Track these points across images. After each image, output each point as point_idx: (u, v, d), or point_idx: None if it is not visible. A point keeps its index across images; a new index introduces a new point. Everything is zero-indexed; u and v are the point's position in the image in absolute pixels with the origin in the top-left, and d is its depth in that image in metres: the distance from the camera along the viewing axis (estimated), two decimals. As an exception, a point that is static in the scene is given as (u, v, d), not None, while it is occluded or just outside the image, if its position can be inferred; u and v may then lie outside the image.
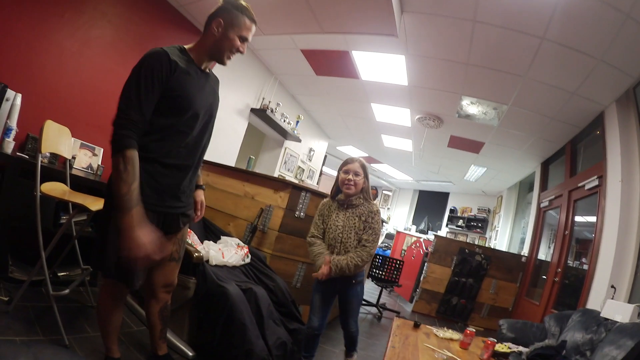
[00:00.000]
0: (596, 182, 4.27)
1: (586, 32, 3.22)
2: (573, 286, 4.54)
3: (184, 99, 1.63)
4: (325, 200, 2.74)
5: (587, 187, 4.51)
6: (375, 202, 2.65)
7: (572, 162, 5.32)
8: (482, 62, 4.11)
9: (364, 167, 2.57)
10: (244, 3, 1.74)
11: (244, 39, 1.75)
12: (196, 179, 1.99)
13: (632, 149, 3.81)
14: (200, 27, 4.50)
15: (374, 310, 5.63)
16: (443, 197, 12.23)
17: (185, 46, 1.75)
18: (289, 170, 7.76)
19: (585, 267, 4.24)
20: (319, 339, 2.68)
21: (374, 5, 3.30)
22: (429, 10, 3.49)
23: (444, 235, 10.41)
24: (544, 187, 6.46)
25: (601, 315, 3.09)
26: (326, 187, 8.98)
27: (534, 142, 5.87)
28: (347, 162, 2.59)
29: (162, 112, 1.59)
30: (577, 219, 4.95)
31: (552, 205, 5.85)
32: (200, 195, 2.10)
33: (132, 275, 1.66)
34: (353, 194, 2.53)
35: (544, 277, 5.43)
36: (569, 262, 4.88)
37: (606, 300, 3.23)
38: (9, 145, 2.76)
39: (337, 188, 2.61)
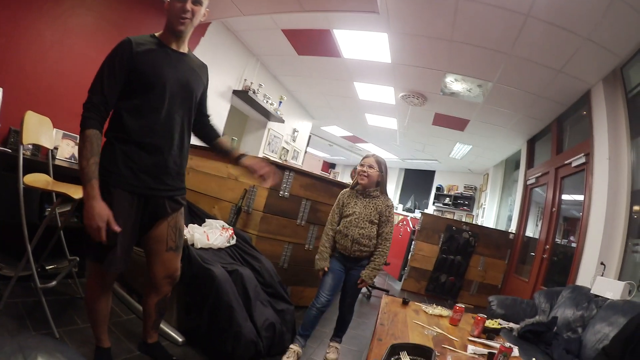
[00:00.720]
0: (583, 160, 4.30)
1: (573, 11, 3.20)
2: (562, 263, 4.61)
3: (149, 74, 1.68)
4: (345, 190, 2.97)
5: (573, 164, 4.55)
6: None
7: (558, 140, 5.35)
8: (466, 39, 4.07)
9: (378, 162, 2.81)
10: None
11: None
12: (231, 152, 2.09)
13: (619, 127, 3.82)
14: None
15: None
16: (429, 175, 12.28)
17: (157, 33, 1.81)
18: (273, 151, 7.71)
19: (574, 245, 4.30)
20: (319, 319, 2.78)
21: (354, -20, 3.22)
22: (412, -14, 3.43)
23: (431, 213, 10.56)
24: (530, 164, 6.50)
25: (591, 292, 3.14)
26: (310, 167, 8.93)
27: (520, 119, 5.89)
28: (364, 157, 2.86)
29: (133, 92, 1.67)
30: (565, 197, 5.00)
31: (538, 182, 5.91)
32: (253, 158, 2.11)
33: (110, 255, 1.67)
34: (366, 184, 2.77)
35: (533, 254, 5.50)
36: (557, 240, 4.94)
37: (596, 277, 3.29)
38: (-8, 140, 2.65)
39: (357, 181, 2.84)
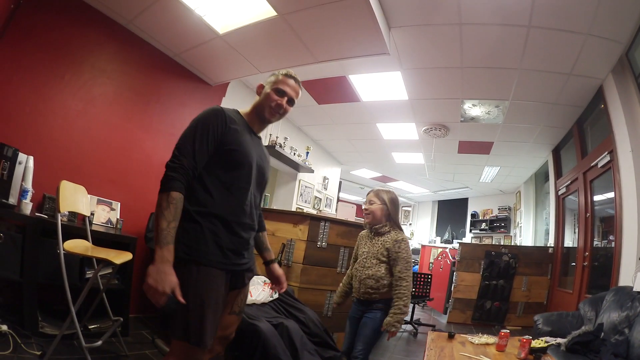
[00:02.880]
0: (608, 158, 4.20)
1: (569, 10, 3.23)
2: (603, 267, 4.43)
3: (239, 152, 1.68)
4: (362, 231, 2.84)
5: (599, 164, 4.43)
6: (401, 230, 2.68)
7: (581, 143, 5.25)
8: (476, 63, 4.15)
9: (378, 195, 2.65)
10: (288, 71, 1.88)
11: (280, 92, 1.81)
12: (266, 252, 2.10)
13: (635, 115, 3.73)
14: (198, 73, 4.70)
15: (408, 327, 5.56)
16: (462, 203, 12.09)
17: (240, 110, 1.86)
18: (305, 201, 7.80)
19: (613, 244, 4.14)
20: None
21: (361, 27, 3.38)
22: (415, 22, 3.57)
23: (469, 241, 10.34)
24: (558, 174, 6.37)
25: (634, 290, 3.05)
26: (345, 214, 8.97)
27: (541, 131, 5.83)
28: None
29: (221, 167, 1.65)
30: (598, 197, 4.85)
31: (569, 190, 5.77)
32: (279, 269, 2.13)
33: (203, 333, 1.55)
34: (371, 221, 2.63)
35: (574, 264, 5.33)
36: (596, 242, 4.77)
37: (637, 274, 3.17)
38: (27, 207, 2.86)
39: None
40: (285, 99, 1.82)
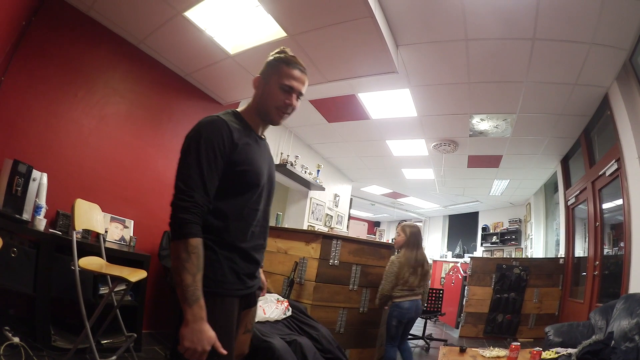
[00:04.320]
0: (615, 166, 4.18)
1: (572, 20, 3.26)
2: (614, 275, 4.39)
3: (251, 173, 1.47)
4: None
5: (607, 173, 4.42)
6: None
7: (589, 152, 5.24)
8: (483, 78, 4.20)
9: (403, 229, 3.60)
10: (286, 54, 1.58)
11: (286, 88, 1.52)
12: None
13: None
14: (209, 92, 4.79)
15: (420, 342, 5.55)
16: (473, 217, 12.06)
17: (238, 109, 1.61)
18: (317, 219, 7.82)
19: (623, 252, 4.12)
20: None
21: (369, 47, 3.46)
22: (422, 40, 3.64)
23: (480, 255, 10.35)
24: (567, 184, 6.35)
25: None
26: (357, 232, 8.97)
27: (549, 142, 5.85)
28: None
29: (231, 191, 1.44)
30: (608, 205, 4.81)
31: (578, 200, 5.74)
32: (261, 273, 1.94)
33: None
34: (395, 247, 3.71)
35: (584, 273, 5.28)
36: (607, 250, 4.73)
37: None
38: (41, 223, 2.92)
39: None
40: (294, 96, 1.55)
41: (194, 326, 1.27)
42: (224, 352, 1.33)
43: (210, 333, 1.30)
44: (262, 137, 1.65)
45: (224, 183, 1.41)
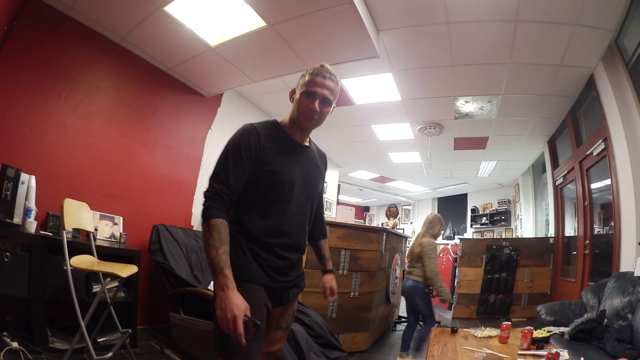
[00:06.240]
0: (602, 146, 4.22)
1: (555, 2, 3.25)
2: (604, 254, 4.46)
3: (278, 173, 1.59)
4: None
5: (594, 152, 4.46)
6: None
7: (576, 133, 5.28)
8: (466, 60, 4.20)
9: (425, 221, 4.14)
10: (319, 66, 1.72)
11: (309, 94, 1.65)
12: (322, 261, 2.07)
13: (627, 100, 3.73)
14: (192, 85, 4.73)
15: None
16: (462, 199, 12.16)
17: (280, 119, 1.75)
18: (305, 206, 7.80)
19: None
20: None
21: (349, 33, 3.43)
22: (403, 24, 3.62)
23: (470, 237, 10.42)
24: (555, 164, 6.40)
25: (635, 275, 3.08)
26: (345, 217, 8.92)
27: (535, 123, 5.88)
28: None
29: (259, 188, 1.58)
30: (597, 184, 4.87)
31: (566, 180, 5.81)
32: (330, 280, 2.03)
33: (248, 350, 1.47)
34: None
35: (575, 253, 5.36)
36: (598, 230, 4.80)
37: (637, 260, 3.19)
38: (32, 225, 2.90)
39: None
40: (317, 101, 1.64)
41: (221, 294, 1.37)
42: (257, 322, 1.39)
43: (236, 301, 1.36)
44: (305, 144, 1.76)
45: (253, 180, 1.57)
